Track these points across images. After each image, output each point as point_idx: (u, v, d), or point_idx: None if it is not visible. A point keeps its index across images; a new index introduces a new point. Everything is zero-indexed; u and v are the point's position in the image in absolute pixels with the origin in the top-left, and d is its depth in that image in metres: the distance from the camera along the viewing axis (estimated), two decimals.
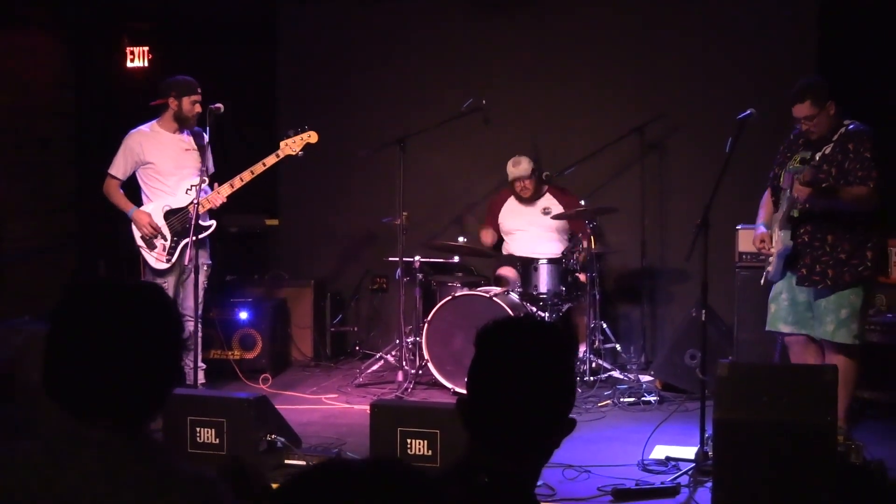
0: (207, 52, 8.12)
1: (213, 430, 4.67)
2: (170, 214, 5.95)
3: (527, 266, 6.56)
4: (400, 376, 6.51)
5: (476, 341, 1.79)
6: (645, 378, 6.45)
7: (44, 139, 7.86)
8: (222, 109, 5.88)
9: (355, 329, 7.73)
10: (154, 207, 5.96)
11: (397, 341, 6.70)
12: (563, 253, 6.63)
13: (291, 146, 6.01)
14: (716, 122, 6.62)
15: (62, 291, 1.85)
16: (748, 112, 4.85)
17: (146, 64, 8.12)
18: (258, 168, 5.98)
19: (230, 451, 4.59)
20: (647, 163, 7.15)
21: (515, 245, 7.08)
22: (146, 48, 8.13)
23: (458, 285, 6.68)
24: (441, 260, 7.05)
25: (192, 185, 5.93)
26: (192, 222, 5.77)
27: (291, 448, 4.70)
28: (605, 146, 6.93)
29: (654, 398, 6.08)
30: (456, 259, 7.04)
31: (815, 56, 6.79)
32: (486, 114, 6.83)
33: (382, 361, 6.82)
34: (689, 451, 4.78)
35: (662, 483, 4.48)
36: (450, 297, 6.41)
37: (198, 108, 5.96)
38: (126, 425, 1.76)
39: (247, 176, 5.99)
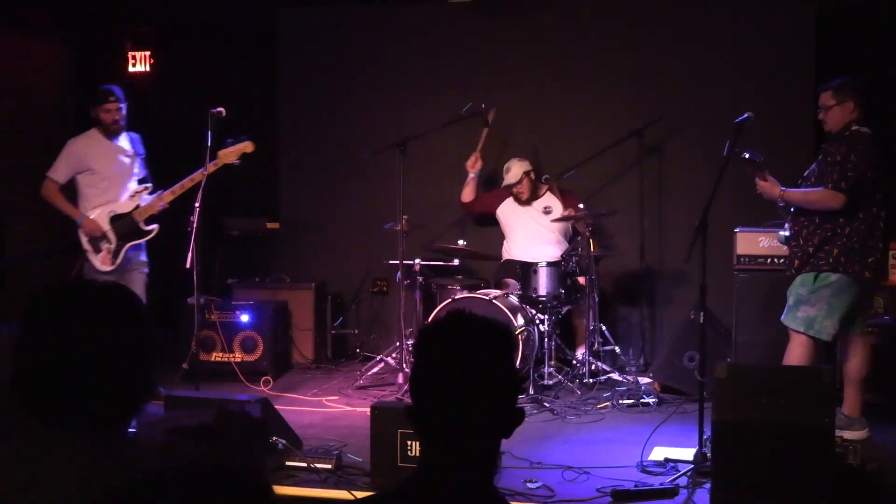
0: (209, 56, 8.17)
1: None
2: (115, 219, 6.22)
3: (526, 269, 6.58)
4: (400, 378, 6.53)
5: (413, 348, 1.80)
6: (644, 380, 6.46)
7: (46, 142, 7.88)
8: (224, 113, 5.92)
9: (356, 331, 7.75)
10: (100, 213, 6.21)
11: (397, 343, 6.73)
12: (562, 256, 6.66)
13: (229, 155, 6.17)
14: (714, 125, 6.64)
15: (30, 296, 1.83)
16: (746, 115, 4.89)
17: (148, 68, 8.16)
18: (197, 176, 6.05)
19: None
20: (646, 165, 7.17)
21: (516, 247, 7.10)
22: (148, 52, 8.17)
23: (458, 288, 6.72)
24: (441, 263, 7.09)
25: (135, 192, 6.26)
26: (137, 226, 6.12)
27: (293, 450, 4.72)
28: (604, 149, 6.96)
29: (653, 400, 6.10)
30: (456, 262, 7.08)
31: (813, 60, 6.83)
32: (486, 116, 6.85)
33: (383, 364, 6.84)
34: (687, 453, 4.80)
35: (661, 484, 4.49)
36: (449, 300, 6.44)
37: (112, 116, 6.18)
38: (99, 431, 1.74)
39: (188, 183, 6.18)
